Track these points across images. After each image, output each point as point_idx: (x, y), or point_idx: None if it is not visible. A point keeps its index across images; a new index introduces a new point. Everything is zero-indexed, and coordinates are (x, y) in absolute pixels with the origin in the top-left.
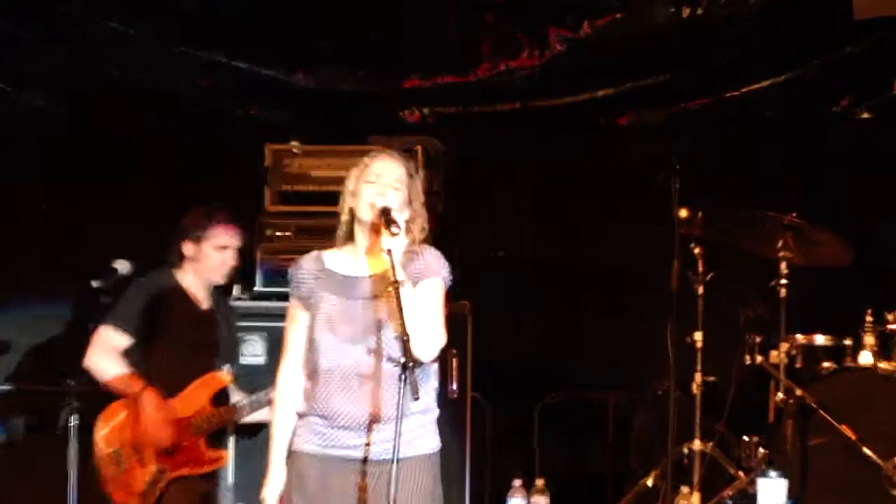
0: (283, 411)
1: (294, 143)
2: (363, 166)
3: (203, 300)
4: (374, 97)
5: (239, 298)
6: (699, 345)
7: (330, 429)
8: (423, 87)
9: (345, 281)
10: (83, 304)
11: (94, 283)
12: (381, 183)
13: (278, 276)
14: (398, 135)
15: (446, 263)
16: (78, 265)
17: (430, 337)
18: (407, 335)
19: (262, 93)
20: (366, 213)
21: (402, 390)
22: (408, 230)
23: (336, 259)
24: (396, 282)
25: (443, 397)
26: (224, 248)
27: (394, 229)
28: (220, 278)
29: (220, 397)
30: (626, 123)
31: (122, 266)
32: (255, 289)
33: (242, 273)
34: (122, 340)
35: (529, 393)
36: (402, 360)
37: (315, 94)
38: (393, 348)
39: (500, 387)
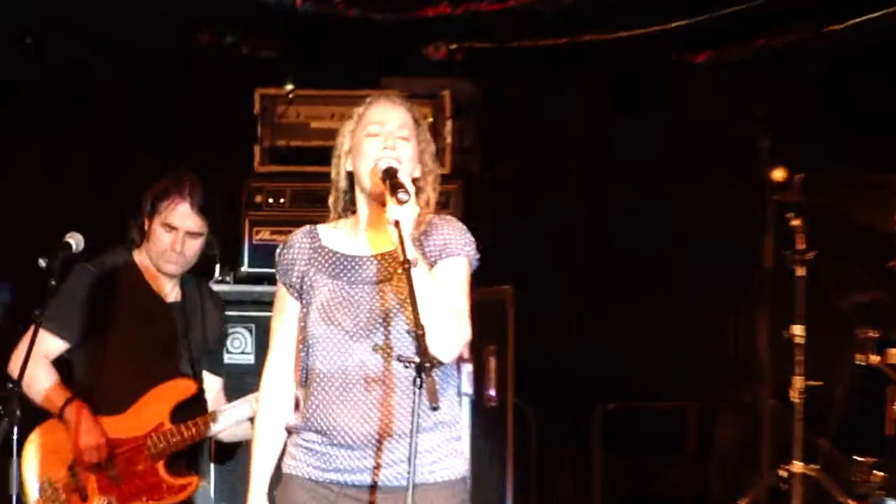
0: (267, 426)
1: (288, 85)
2: (356, 117)
3: (167, 289)
4: (389, 28)
5: (221, 282)
6: (799, 340)
7: (329, 447)
8: (450, 15)
9: (345, 262)
10: (27, 287)
11: (41, 262)
12: (387, 133)
13: (269, 254)
14: (420, 76)
15: (471, 238)
16: (21, 238)
17: (450, 330)
18: (422, 328)
19: (250, 21)
20: (369, 176)
21: (417, 398)
22: (418, 193)
23: (333, 235)
24: (407, 261)
25: (478, 406)
26: (172, 229)
27: (401, 195)
28: (164, 267)
29: (188, 409)
30: (704, 62)
31: (76, 240)
32: (242, 270)
33: (224, 252)
34: (56, 345)
35: (585, 399)
36: (417, 359)
37: (315, 24)
38: (405, 345)
39: (548, 392)
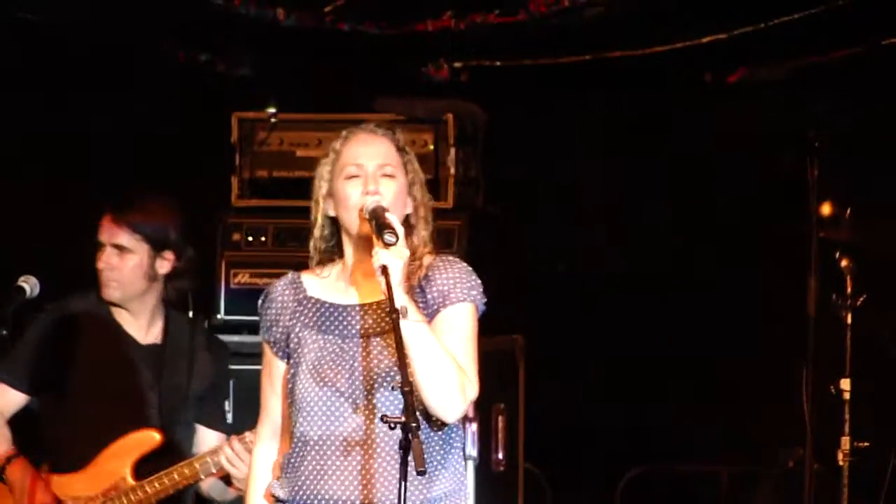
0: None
1: (270, 108)
2: (332, 155)
3: (144, 330)
4: (385, 43)
5: None
6: (848, 396)
7: None
8: (454, 30)
9: (334, 313)
10: None
11: None
12: (368, 176)
13: (248, 299)
14: (419, 98)
15: (477, 280)
16: None
17: (450, 389)
18: (409, 385)
19: (226, 36)
20: (354, 222)
21: (403, 464)
22: (410, 231)
23: (319, 284)
24: (395, 311)
25: (484, 470)
26: (100, 246)
27: (388, 237)
28: (104, 293)
29: (156, 463)
30: (737, 81)
31: (30, 284)
32: (218, 317)
33: (198, 297)
34: (13, 398)
35: (607, 464)
36: (402, 419)
37: (300, 39)
38: (389, 404)
39: (564, 455)
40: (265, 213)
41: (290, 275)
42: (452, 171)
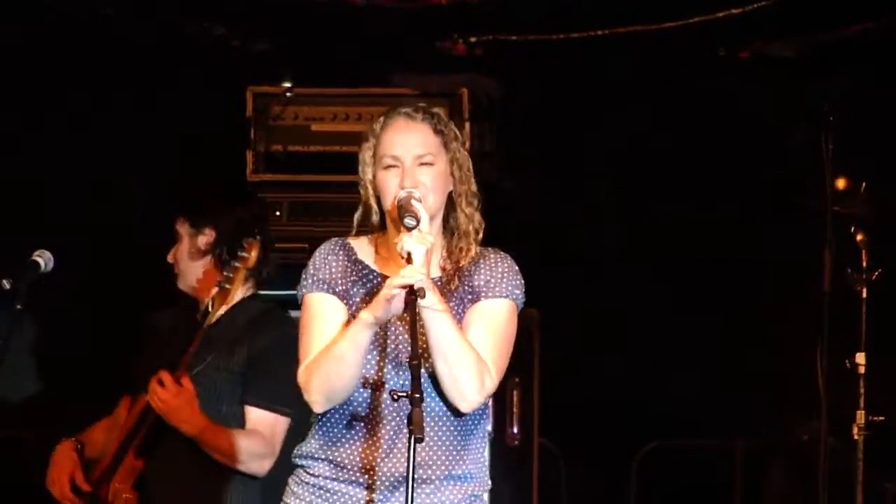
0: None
1: (286, 83)
2: (372, 140)
3: (213, 311)
4: (401, 17)
5: None
6: (863, 370)
7: (338, 484)
8: (469, 3)
9: (375, 279)
10: None
11: (5, 283)
12: (404, 164)
13: None
14: (435, 73)
15: (521, 280)
16: None
17: (467, 379)
18: (417, 359)
19: (241, 9)
20: (392, 210)
21: (411, 436)
22: (451, 210)
23: (369, 251)
24: (413, 293)
25: (499, 445)
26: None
27: (408, 221)
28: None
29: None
30: (751, 57)
31: (44, 259)
32: None
33: None
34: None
35: (622, 438)
36: (406, 392)
37: (316, 13)
38: (430, 385)
39: (579, 430)
40: (280, 187)
41: (336, 239)
42: (467, 145)
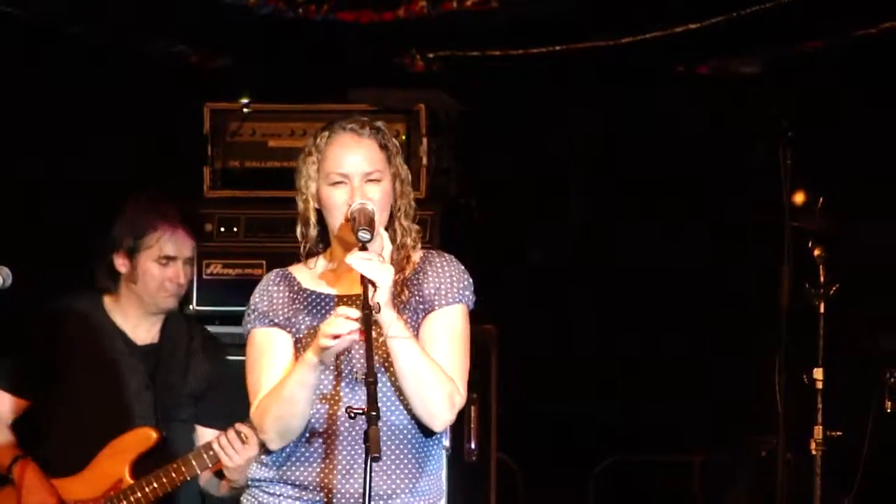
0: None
1: (243, 99)
2: (316, 153)
3: (143, 331)
4: (356, 34)
5: None
6: (820, 385)
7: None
8: (426, 17)
9: (321, 301)
10: None
11: None
12: (352, 181)
13: (221, 290)
14: (392, 88)
15: (469, 280)
16: None
17: (439, 400)
18: (373, 376)
19: (198, 26)
20: (340, 228)
21: (367, 454)
22: (391, 223)
23: (308, 275)
24: (368, 307)
25: (457, 460)
26: (170, 260)
27: (362, 235)
28: (164, 303)
29: (153, 461)
30: (709, 73)
31: (3, 275)
32: (190, 308)
33: None
34: (14, 404)
35: (579, 454)
36: (363, 409)
37: (273, 28)
38: (391, 401)
39: (537, 445)
40: (237, 203)
41: (277, 271)
42: (425, 161)
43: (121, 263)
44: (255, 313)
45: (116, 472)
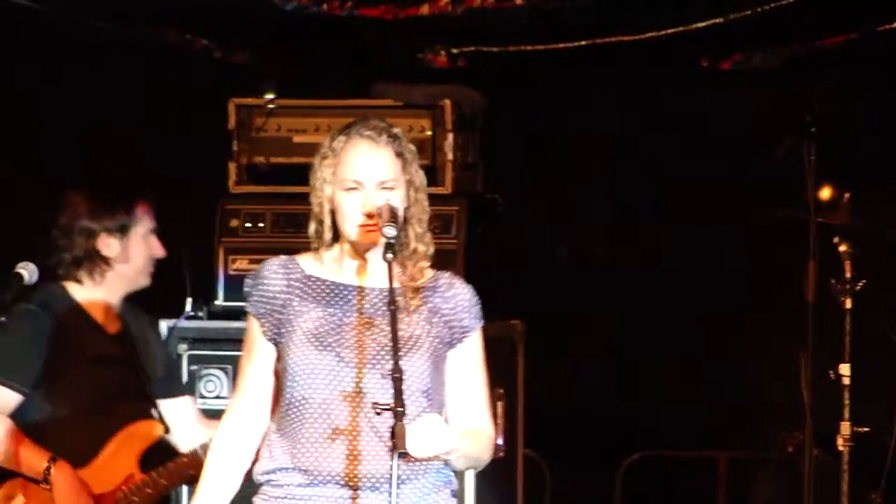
0: (219, 471)
1: (268, 94)
2: (332, 156)
3: (110, 320)
4: (381, 29)
5: (193, 317)
6: (847, 382)
7: (310, 489)
8: (450, 13)
9: (333, 290)
10: None
11: None
12: (366, 188)
13: None
14: (417, 84)
15: (478, 299)
16: None
17: (483, 459)
18: (399, 372)
19: (223, 21)
20: (352, 232)
21: (395, 448)
22: (403, 226)
23: (316, 264)
24: (394, 304)
25: None
26: (151, 232)
27: (387, 230)
28: (144, 281)
29: (156, 454)
30: (732, 68)
31: (29, 271)
32: (216, 304)
33: (197, 282)
34: (9, 398)
35: (605, 449)
36: (389, 405)
37: (298, 25)
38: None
39: (564, 441)
40: (263, 199)
41: (282, 257)
42: (450, 156)
43: (107, 245)
44: (250, 300)
45: (127, 467)
